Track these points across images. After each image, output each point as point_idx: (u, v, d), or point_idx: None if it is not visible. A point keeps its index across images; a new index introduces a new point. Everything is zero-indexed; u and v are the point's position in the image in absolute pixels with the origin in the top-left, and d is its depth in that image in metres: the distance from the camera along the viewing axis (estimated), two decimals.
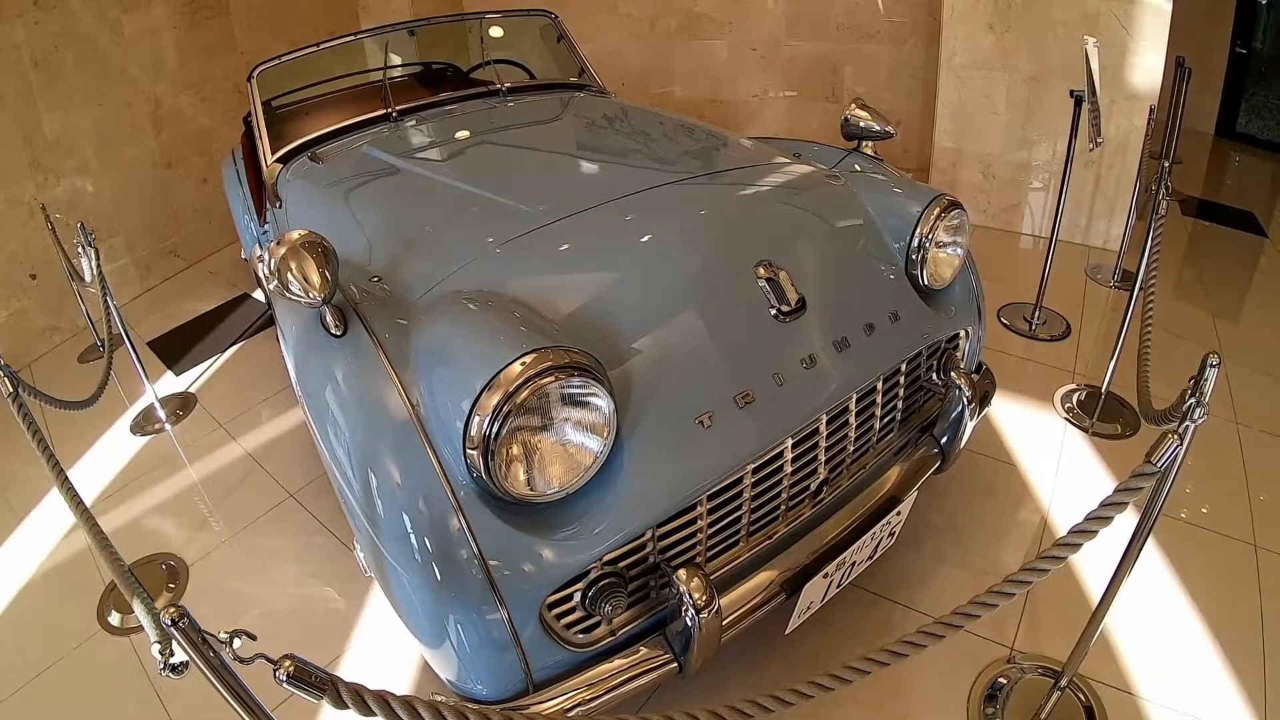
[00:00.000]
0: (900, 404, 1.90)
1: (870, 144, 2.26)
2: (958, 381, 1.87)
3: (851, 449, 1.78)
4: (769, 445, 1.55)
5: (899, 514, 1.83)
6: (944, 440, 1.96)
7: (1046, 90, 3.75)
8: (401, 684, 2.06)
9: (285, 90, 3.28)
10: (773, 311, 1.62)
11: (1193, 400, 1.13)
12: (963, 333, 2.04)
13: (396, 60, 3.56)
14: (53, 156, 3.85)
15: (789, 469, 1.64)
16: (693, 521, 1.53)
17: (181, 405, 3.48)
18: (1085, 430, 2.67)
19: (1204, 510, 2.34)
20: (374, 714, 1.09)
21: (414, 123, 2.77)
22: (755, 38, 5.17)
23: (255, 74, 2.93)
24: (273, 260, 1.44)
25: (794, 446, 1.62)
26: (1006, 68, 3.85)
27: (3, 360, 2.20)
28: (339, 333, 1.52)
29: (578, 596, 1.44)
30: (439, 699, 1.08)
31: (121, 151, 4.18)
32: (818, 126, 5.14)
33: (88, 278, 3.10)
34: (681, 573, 1.44)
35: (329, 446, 1.50)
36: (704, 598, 1.41)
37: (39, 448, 2.10)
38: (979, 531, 2.32)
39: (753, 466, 1.55)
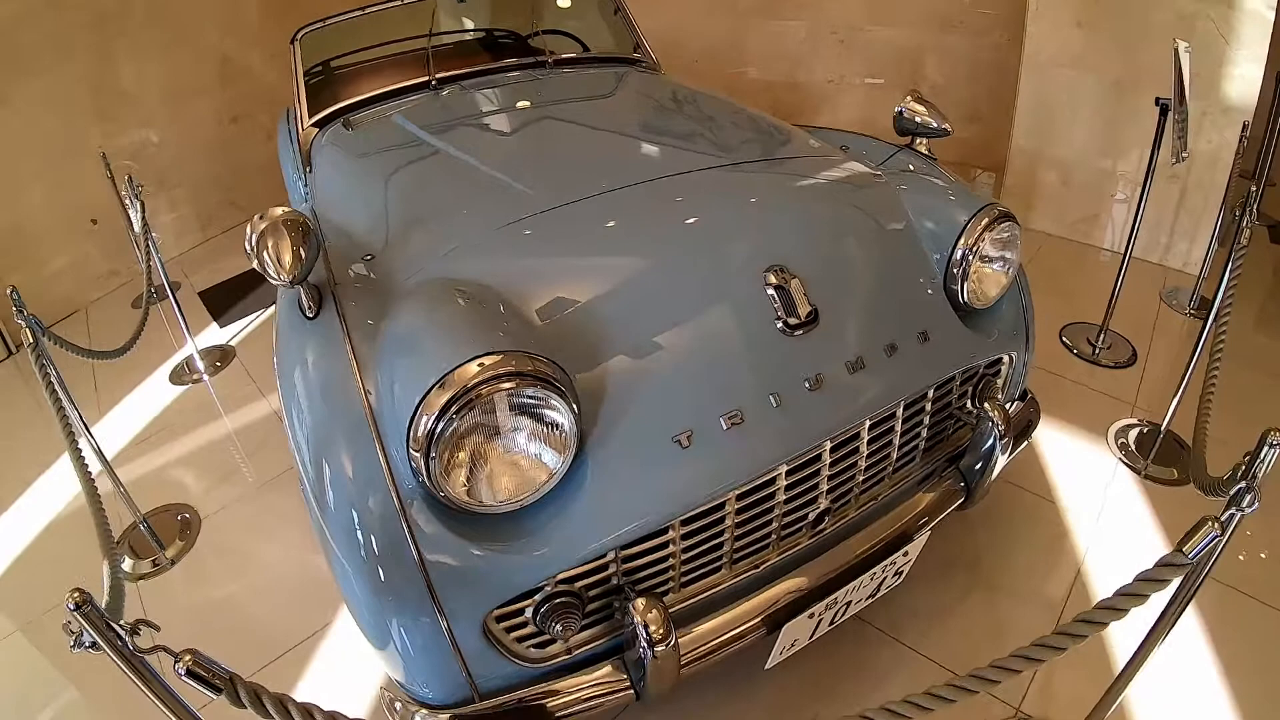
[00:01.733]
0: (924, 431, 1.69)
1: (924, 141, 2.02)
2: (990, 413, 1.65)
3: (861, 478, 1.59)
4: (756, 473, 1.37)
5: (906, 554, 1.63)
6: (971, 475, 1.74)
7: (1136, 95, 3.37)
8: (376, 669, 1.98)
9: (335, 54, 3.21)
10: (778, 323, 1.43)
11: (1243, 484, 0.91)
12: (1006, 358, 1.81)
13: (457, 25, 3.45)
14: (120, 107, 3.89)
15: (782, 496, 1.46)
16: (664, 545, 1.38)
17: (220, 358, 3.50)
18: (1138, 472, 2.38)
19: (1253, 574, 2.04)
20: (273, 717, 1.05)
21: (451, 93, 2.65)
22: (835, 21, 4.86)
23: (299, 36, 2.85)
24: (252, 235, 1.37)
25: (789, 473, 1.44)
26: (1094, 68, 3.48)
27: (29, 310, 2.20)
28: (311, 314, 1.45)
29: (529, 612, 1.32)
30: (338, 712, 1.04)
31: (188, 105, 4.21)
32: (888, 121, 4.82)
33: (136, 228, 3.12)
34: (639, 603, 1.31)
35: (291, 429, 1.41)
36: (660, 631, 1.28)
37: (51, 399, 2.08)
38: (1005, 575, 2.09)
39: (737, 493, 1.38)
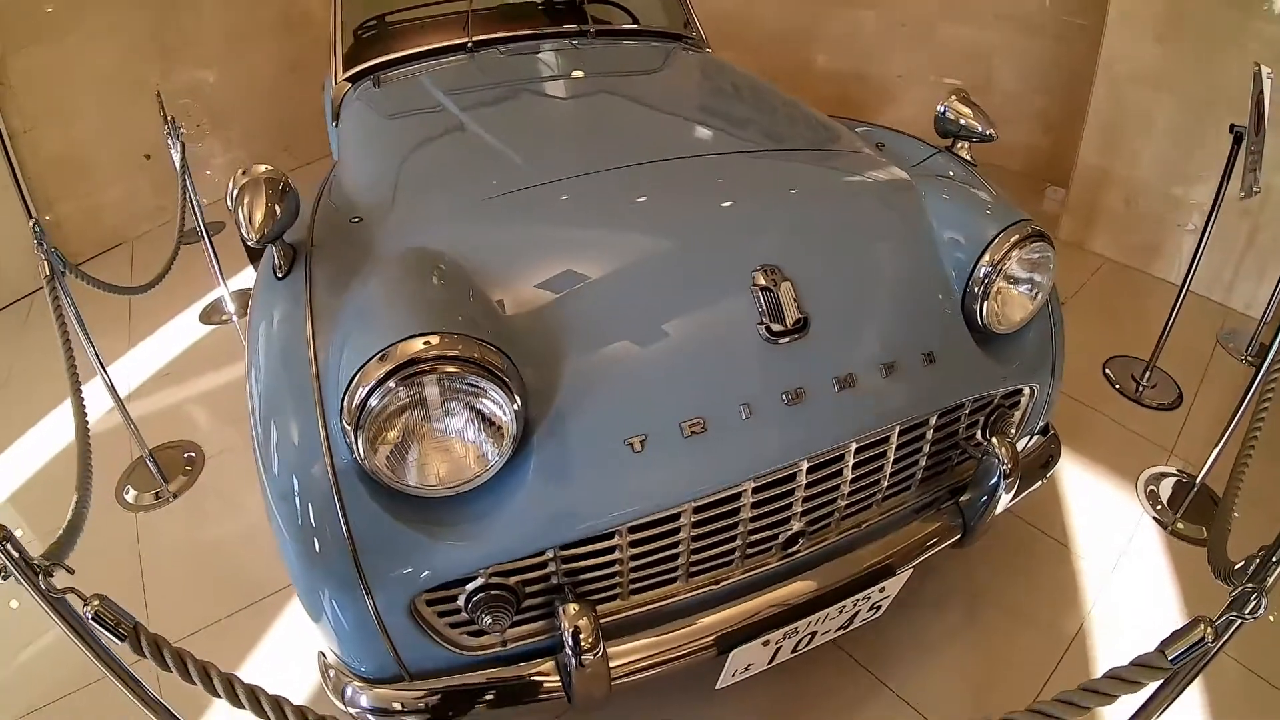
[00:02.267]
0: (923, 460, 1.53)
1: (966, 145, 1.83)
2: (997, 449, 1.48)
3: (844, 503, 1.45)
4: (714, 488, 1.25)
5: (884, 590, 1.49)
6: (970, 512, 1.58)
7: (1213, 120, 3.05)
8: None
9: (388, 9, 3.13)
10: (761, 328, 1.29)
11: (1250, 585, 0.75)
12: (1026, 390, 1.64)
13: None
14: (181, 46, 3.91)
15: (748, 514, 1.33)
16: (611, 550, 1.28)
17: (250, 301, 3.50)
18: (1164, 526, 2.16)
19: (1268, 655, 1.82)
20: (169, 669, 1.07)
21: (486, 57, 2.54)
22: (907, 13, 4.58)
23: None
24: (233, 189, 1.34)
25: (758, 489, 1.31)
26: (1171, 87, 3.17)
27: (52, 244, 2.19)
28: (281, 274, 1.39)
29: (462, 600, 1.25)
30: (233, 675, 1.05)
31: (249, 49, 4.22)
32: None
33: (177, 166, 3.12)
34: (569, 609, 1.22)
35: (248, 387, 1.35)
36: (588, 640, 1.21)
37: (60, 334, 2.07)
38: (1001, 620, 1.92)
39: (695, 505, 1.26)
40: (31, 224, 2.16)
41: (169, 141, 3.08)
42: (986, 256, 1.47)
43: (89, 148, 3.76)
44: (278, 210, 1.33)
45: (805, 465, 1.32)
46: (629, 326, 1.28)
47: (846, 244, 1.46)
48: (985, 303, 1.49)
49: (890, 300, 1.44)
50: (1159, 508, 2.22)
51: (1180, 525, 2.15)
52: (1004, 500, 1.54)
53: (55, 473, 2.68)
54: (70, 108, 3.64)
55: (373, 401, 1.11)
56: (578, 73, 2.41)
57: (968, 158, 1.82)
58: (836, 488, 1.42)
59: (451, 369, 1.11)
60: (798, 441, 1.28)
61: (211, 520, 2.41)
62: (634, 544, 1.29)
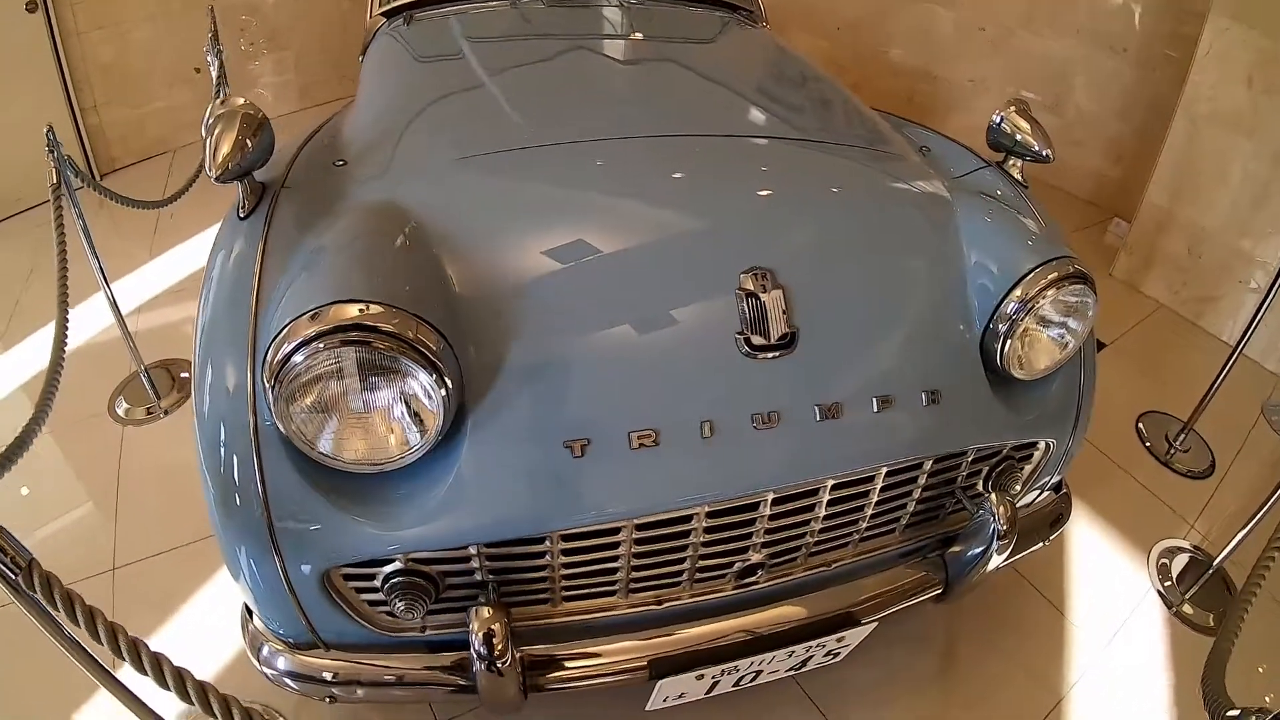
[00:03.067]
0: (911, 505, 1.35)
1: (1018, 163, 1.61)
2: (994, 508, 1.29)
3: (813, 539, 1.28)
4: (657, 509, 1.10)
5: (843, 639, 1.32)
6: (955, 567, 1.40)
7: None
8: None
9: None
10: (739, 339, 1.12)
11: None
12: (1042, 444, 1.44)
13: None
14: None
15: (699, 538, 1.18)
16: (541, 555, 1.15)
17: None
18: (1170, 605, 1.94)
19: None
20: (58, 608, 1.00)
21: (528, 5, 2.34)
22: (987, 16, 4.24)
23: None
24: (208, 119, 1.26)
25: (713, 514, 1.15)
26: (1254, 133, 2.84)
27: (66, 152, 2.09)
28: (244, 213, 1.29)
29: (379, 581, 1.15)
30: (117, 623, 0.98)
31: None
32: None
33: (213, 81, 3.02)
34: (482, 611, 1.10)
35: (194, 323, 1.24)
36: (499, 646, 1.10)
37: (57, 245, 1.97)
38: (975, 679, 1.74)
39: (636, 523, 1.12)
40: (45, 130, 2.06)
41: (209, 58, 2.98)
42: (1017, 292, 1.26)
43: (141, 55, 3.67)
44: (247, 146, 1.22)
45: (771, 496, 1.15)
46: (590, 316, 1.13)
47: (857, 255, 1.27)
48: (1008, 343, 1.28)
49: (898, 326, 1.25)
50: (1168, 584, 1.99)
51: (1187, 608, 1.93)
52: (995, 561, 1.35)
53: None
54: (127, 14, 3.55)
55: (295, 360, 1.00)
56: (619, 33, 2.21)
57: (1019, 177, 1.59)
58: (806, 523, 1.25)
59: (381, 344, 0.99)
60: (763, 471, 1.12)
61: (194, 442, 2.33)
62: (567, 553, 1.15)
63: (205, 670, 1.77)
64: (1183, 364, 2.92)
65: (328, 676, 1.22)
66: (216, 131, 1.22)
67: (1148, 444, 2.49)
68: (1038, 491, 1.57)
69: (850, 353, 1.19)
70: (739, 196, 1.28)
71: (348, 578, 1.16)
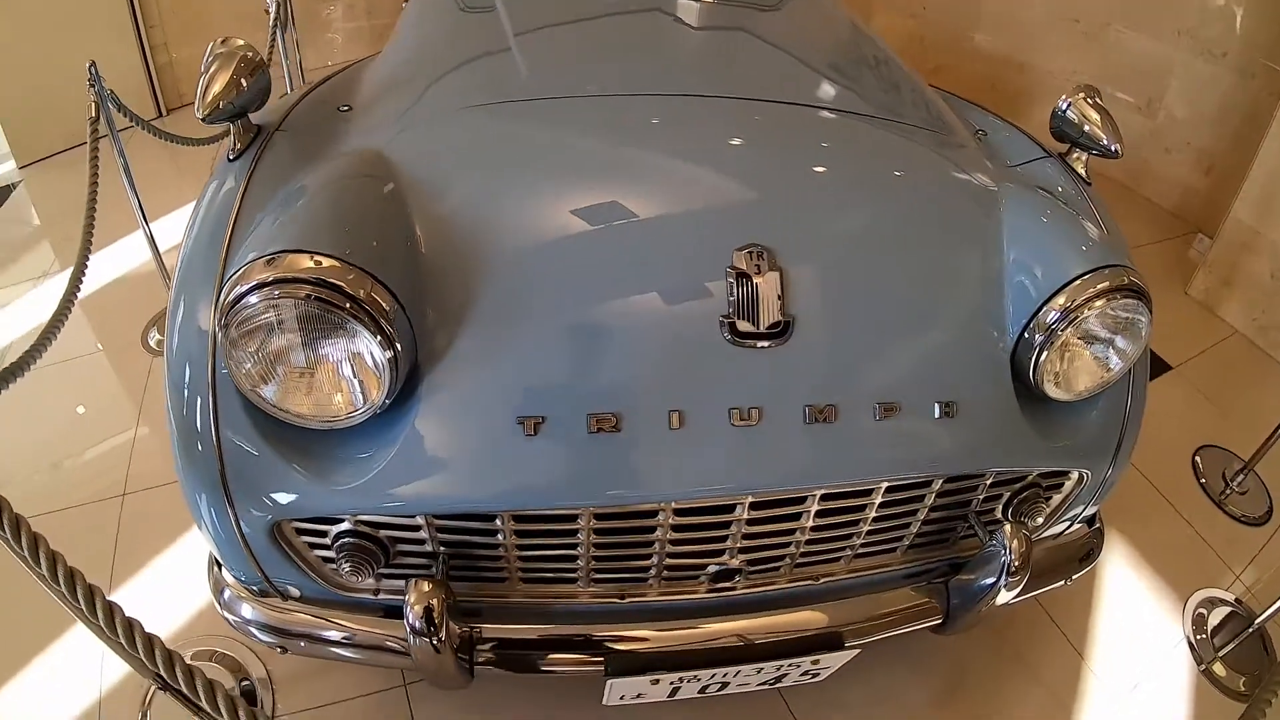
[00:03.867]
0: (916, 525, 1.20)
1: (1083, 157, 1.40)
2: (1006, 540, 1.13)
3: (799, 550, 1.14)
4: (610, 501, 0.99)
5: (818, 662, 1.17)
6: (957, 598, 1.24)
7: None
8: None
9: None
10: (723, 324, 0.98)
11: None
12: (1075, 474, 1.26)
13: None
14: None
15: (667, 535, 1.05)
16: (494, 534, 1.05)
17: None
18: (1200, 662, 1.72)
19: None
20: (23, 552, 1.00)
21: None
22: (1081, 7, 3.87)
23: None
24: (206, 57, 1.20)
25: (682, 513, 1.03)
26: None
27: (105, 84, 2.06)
28: (234, 155, 1.24)
29: (330, 539, 1.09)
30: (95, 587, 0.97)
31: None
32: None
33: (270, 21, 2.97)
34: (423, 585, 1.01)
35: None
36: (436, 622, 1.01)
37: (90, 179, 1.95)
38: (980, 711, 1.58)
39: (594, 512, 1.00)
40: (88, 65, 2.03)
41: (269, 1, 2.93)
42: (1060, 299, 1.08)
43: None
44: (240, 86, 1.16)
45: (748, 500, 1.02)
46: (560, 285, 1.02)
47: (875, 240, 1.10)
48: (1044, 356, 1.10)
49: (915, 325, 1.09)
50: (1201, 638, 1.77)
51: (1218, 667, 1.70)
52: (1004, 597, 1.19)
53: (89, 304, 2.65)
54: None
55: (243, 304, 0.93)
56: None
57: (1083, 172, 1.39)
58: (791, 533, 1.11)
59: (328, 301, 0.91)
60: (737, 472, 0.98)
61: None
62: (521, 534, 1.05)
63: (193, 604, 1.75)
64: (1252, 397, 2.62)
65: (276, 626, 1.18)
66: (210, 71, 1.16)
67: (1202, 480, 2.23)
68: (1067, 524, 1.39)
69: (852, 350, 1.04)
70: (746, 164, 1.13)
71: (300, 531, 1.11)
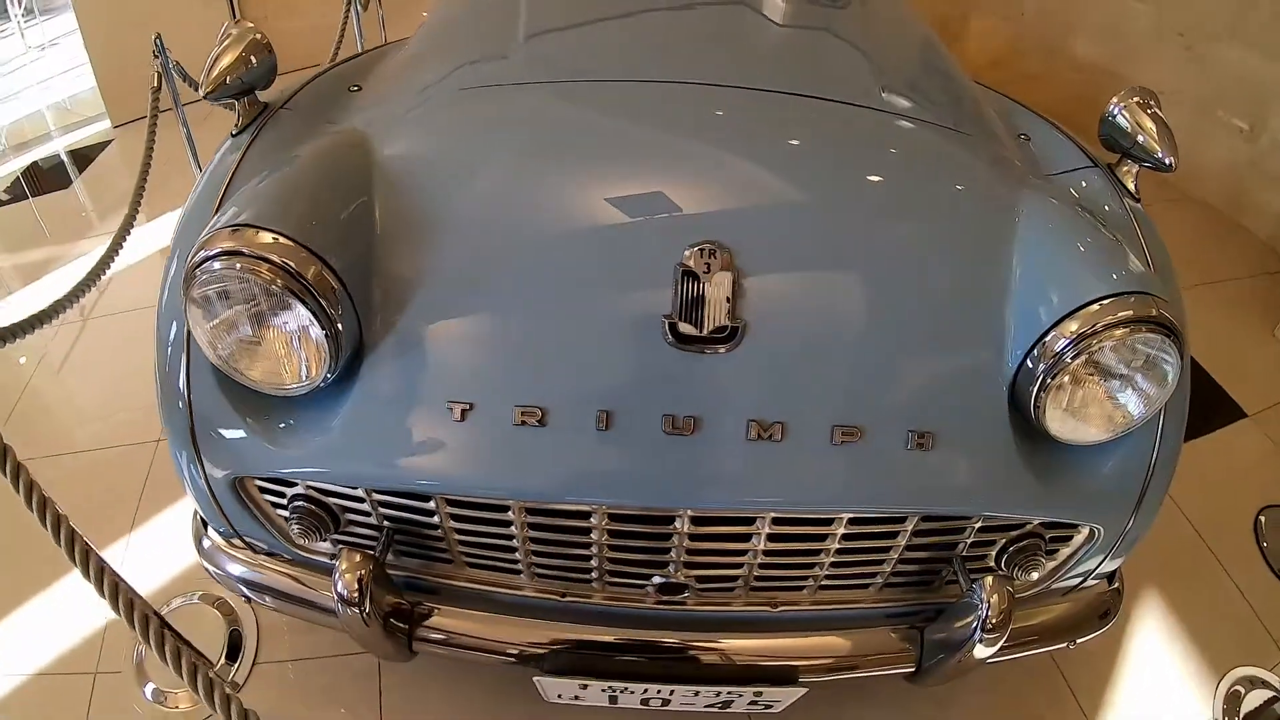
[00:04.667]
0: (889, 565, 1.06)
1: (1134, 169, 1.21)
2: (985, 594, 0.98)
3: (751, 573, 1.03)
4: (533, 495, 0.94)
5: (762, 695, 1.06)
6: (929, 650, 1.09)
7: None
8: None
9: None
10: (664, 325, 0.88)
11: None
12: (1084, 530, 1.10)
13: None
14: None
15: (603, 539, 0.98)
16: (431, 513, 1.02)
17: None
18: None
19: None
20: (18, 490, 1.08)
21: None
22: (1188, 21, 3.49)
23: None
24: (221, 35, 1.23)
25: (618, 518, 0.95)
26: None
27: (171, 56, 2.12)
28: (236, 130, 1.26)
29: (286, 500, 1.10)
30: None
31: None
32: (1214, 166, 3.43)
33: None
34: (355, 556, 0.98)
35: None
36: (354, 594, 0.98)
37: (146, 144, 2.01)
38: None
39: (525, 505, 0.95)
40: (154, 37, 2.10)
41: None
42: (1071, 324, 0.92)
43: None
44: (245, 65, 1.19)
45: (689, 514, 0.92)
46: (506, 271, 0.99)
47: (851, 245, 0.97)
48: (1048, 388, 0.95)
49: (891, 343, 0.95)
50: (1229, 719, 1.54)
51: None
52: (981, 654, 1.04)
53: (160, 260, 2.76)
54: None
55: (208, 267, 0.94)
56: None
57: (1131, 187, 1.20)
58: (742, 553, 1.00)
59: (273, 279, 0.91)
60: (666, 483, 0.89)
61: None
62: (456, 518, 1.02)
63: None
64: None
65: (244, 578, 1.21)
66: (218, 50, 1.19)
67: (1263, 544, 1.96)
68: (1080, 578, 1.22)
69: (809, 365, 0.92)
70: (716, 156, 1.03)
71: (263, 490, 1.11)
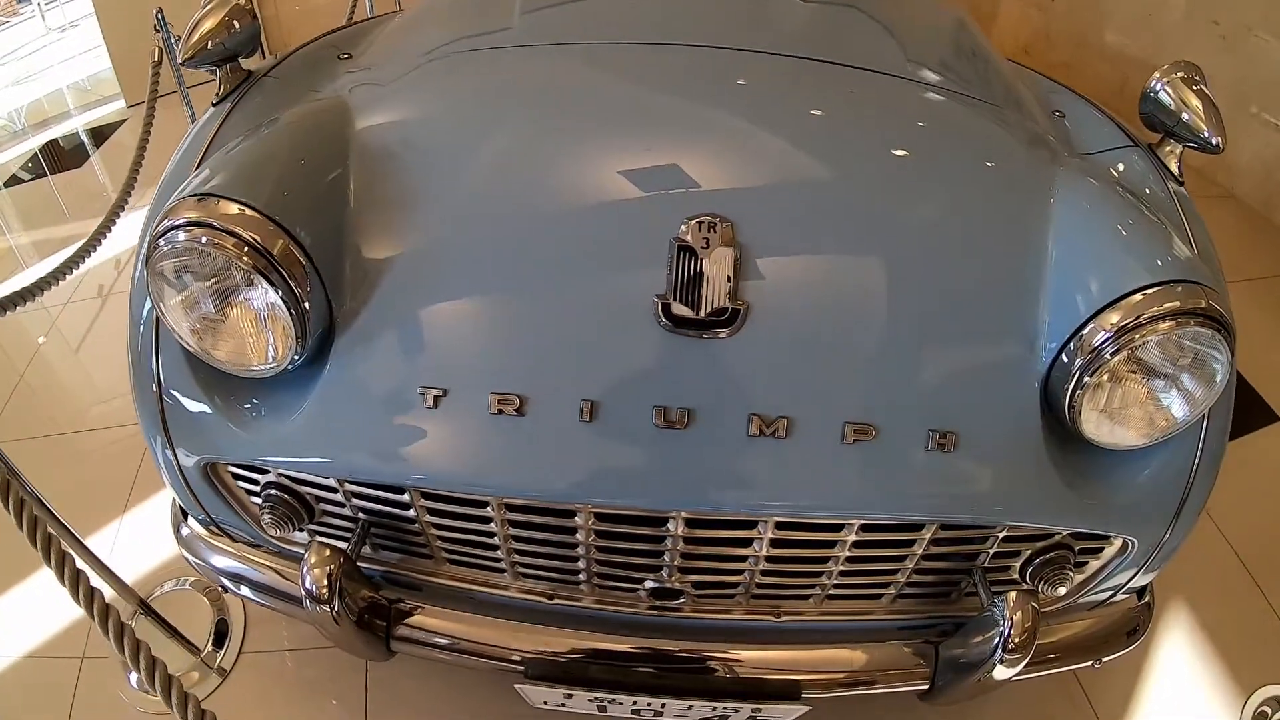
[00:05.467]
0: (904, 575, 0.97)
1: (1177, 149, 1.10)
2: (1007, 611, 0.88)
3: (752, 580, 0.94)
4: (510, 490, 0.85)
5: (761, 711, 0.97)
6: (944, 667, 1.00)
7: None
8: None
9: None
10: (657, 306, 0.79)
11: None
12: (1118, 541, 0.99)
13: None
14: None
15: (590, 539, 0.89)
16: (407, 506, 0.94)
17: None
18: None
19: None
20: None
21: None
22: (1223, 8, 3.33)
23: None
24: (203, 4, 1.16)
25: (605, 519, 0.86)
26: None
27: (171, 29, 2.06)
28: (217, 99, 1.19)
29: (259, 488, 1.03)
30: None
31: None
32: (1247, 161, 3.26)
33: None
34: (325, 550, 0.90)
35: None
36: (322, 591, 0.90)
37: (145, 117, 1.94)
38: None
39: (506, 502, 0.87)
40: (155, 11, 2.03)
41: None
42: (1113, 315, 0.82)
43: None
44: (231, 29, 1.13)
45: (683, 515, 0.83)
46: (486, 245, 0.90)
47: (868, 221, 0.87)
48: (1085, 386, 0.84)
49: (911, 332, 0.85)
50: None
51: None
52: (1002, 674, 0.94)
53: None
54: None
55: (174, 237, 0.86)
56: None
57: (1174, 169, 1.09)
58: (743, 559, 0.91)
59: (238, 254, 0.84)
60: (656, 481, 0.80)
61: None
62: (433, 512, 0.93)
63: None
64: None
65: (220, 566, 1.15)
66: (200, 13, 1.12)
67: None
68: (1109, 593, 1.12)
69: (820, 354, 0.82)
70: (721, 121, 0.93)
71: (236, 477, 1.04)
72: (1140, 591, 1.16)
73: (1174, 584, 1.69)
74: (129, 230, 2.81)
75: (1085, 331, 0.84)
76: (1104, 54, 3.88)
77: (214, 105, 1.18)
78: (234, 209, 0.86)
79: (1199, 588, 1.70)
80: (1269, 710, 1.48)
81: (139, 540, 1.77)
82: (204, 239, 0.85)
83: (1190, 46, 3.51)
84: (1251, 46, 3.24)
